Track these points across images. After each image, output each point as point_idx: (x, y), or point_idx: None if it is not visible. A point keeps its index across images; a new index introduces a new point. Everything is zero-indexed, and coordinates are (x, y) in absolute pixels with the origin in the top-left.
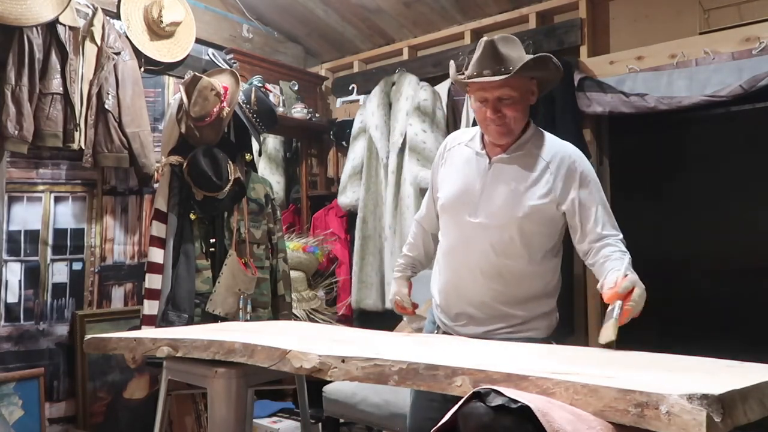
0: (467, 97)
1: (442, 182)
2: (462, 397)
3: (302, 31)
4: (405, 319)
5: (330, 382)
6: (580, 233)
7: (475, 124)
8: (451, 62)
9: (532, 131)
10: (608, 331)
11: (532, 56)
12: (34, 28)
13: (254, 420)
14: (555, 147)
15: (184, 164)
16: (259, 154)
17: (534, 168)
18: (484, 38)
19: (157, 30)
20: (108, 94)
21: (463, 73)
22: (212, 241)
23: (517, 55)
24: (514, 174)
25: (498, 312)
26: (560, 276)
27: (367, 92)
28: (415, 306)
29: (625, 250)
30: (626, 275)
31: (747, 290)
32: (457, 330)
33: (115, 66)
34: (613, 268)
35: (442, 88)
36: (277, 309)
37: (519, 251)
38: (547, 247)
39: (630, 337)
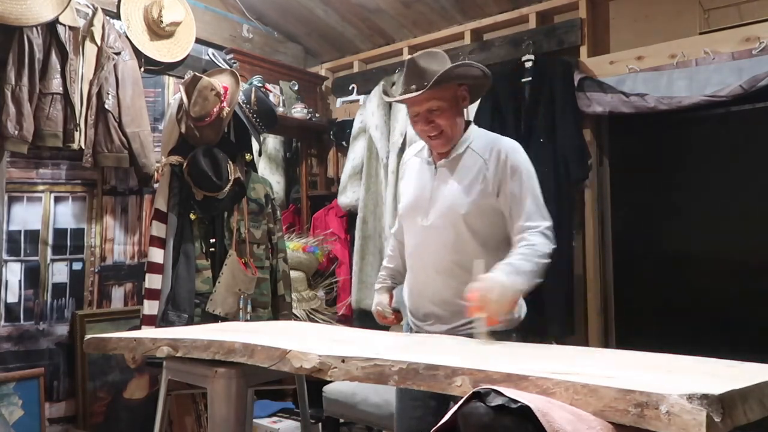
0: None
1: (402, 194)
2: (460, 397)
3: (302, 31)
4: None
5: (330, 382)
6: (510, 225)
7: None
8: (381, 84)
9: (470, 132)
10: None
11: (452, 65)
12: (34, 28)
13: (254, 420)
14: (490, 143)
15: (184, 164)
16: (259, 154)
17: (473, 166)
18: (407, 58)
19: (157, 30)
20: (108, 94)
21: (390, 95)
22: (212, 241)
23: (439, 67)
24: (456, 175)
25: (460, 308)
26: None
27: (367, 92)
28: (396, 314)
29: (534, 242)
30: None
31: (747, 290)
32: (426, 329)
33: (115, 66)
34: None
35: None
36: (277, 309)
37: (470, 246)
38: (499, 237)
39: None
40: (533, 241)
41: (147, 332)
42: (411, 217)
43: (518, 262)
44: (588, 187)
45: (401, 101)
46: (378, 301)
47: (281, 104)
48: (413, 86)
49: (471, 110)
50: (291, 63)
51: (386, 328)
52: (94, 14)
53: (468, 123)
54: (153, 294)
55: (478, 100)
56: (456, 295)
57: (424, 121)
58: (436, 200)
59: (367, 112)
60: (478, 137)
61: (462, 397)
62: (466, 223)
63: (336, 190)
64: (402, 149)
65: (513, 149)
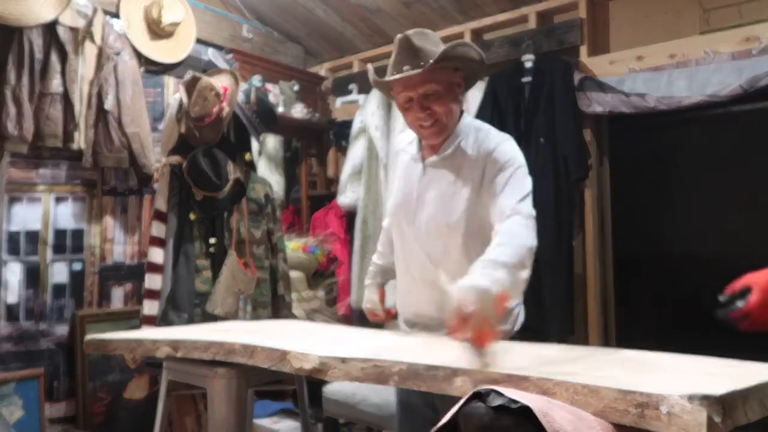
0: (466, 98)
1: (391, 190)
2: (462, 398)
3: (302, 31)
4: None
5: (330, 382)
6: (491, 219)
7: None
8: (369, 66)
9: (462, 126)
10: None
11: (450, 44)
12: (34, 29)
13: (254, 420)
14: (480, 140)
15: (184, 164)
16: (259, 154)
17: (463, 167)
18: (398, 35)
19: (157, 30)
20: (108, 94)
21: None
22: (212, 241)
23: (435, 48)
24: (444, 177)
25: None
26: None
27: (367, 92)
28: (387, 311)
29: (514, 231)
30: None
31: None
32: (415, 335)
33: (115, 66)
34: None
35: None
36: (277, 309)
37: (455, 258)
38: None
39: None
40: (513, 230)
41: (147, 333)
42: (397, 219)
43: (496, 253)
44: (588, 187)
45: (395, 81)
46: (368, 299)
47: (281, 104)
48: (406, 66)
49: (472, 110)
50: (291, 63)
51: (382, 326)
52: (94, 14)
53: (461, 113)
54: (153, 294)
55: (479, 102)
56: (441, 308)
57: (419, 108)
58: (424, 205)
59: (367, 112)
60: (468, 133)
61: (462, 398)
62: (456, 233)
63: (336, 190)
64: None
65: (501, 141)
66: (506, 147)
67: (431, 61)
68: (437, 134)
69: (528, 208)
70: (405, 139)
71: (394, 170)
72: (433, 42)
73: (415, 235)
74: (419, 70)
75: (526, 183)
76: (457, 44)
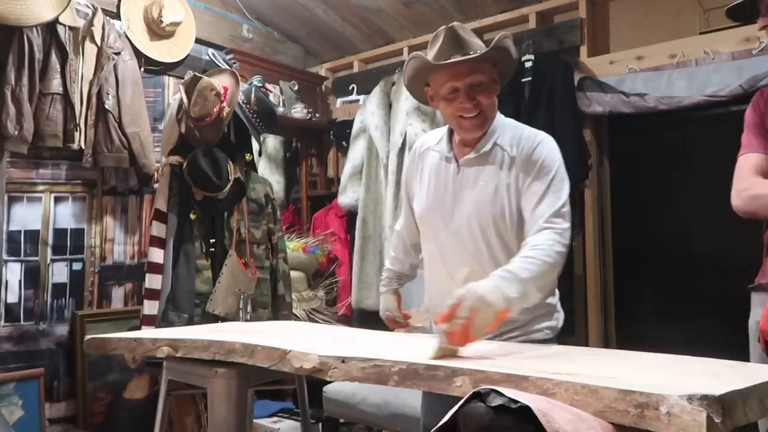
0: None
1: (417, 191)
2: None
3: (302, 31)
4: (401, 331)
5: (330, 382)
6: (525, 224)
7: None
8: (415, 53)
9: (497, 123)
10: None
11: (498, 36)
12: (34, 28)
13: (254, 420)
14: (518, 137)
15: (184, 164)
16: (259, 154)
17: (500, 165)
18: (443, 27)
19: (157, 30)
20: (108, 94)
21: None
22: (212, 241)
23: (477, 42)
24: (481, 175)
25: None
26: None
27: (367, 92)
28: (407, 317)
29: (541, 244)
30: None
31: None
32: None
33: (115, 66)
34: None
35: None
36: (277, 309)
37: (497, 258)
38: None
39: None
40: (542, 246)
41: (147, 332)
42: (431, 221)
43: (519, 267)
44: (588, 187)
45: (442, 70)
46: (386, 306)
47: (281, 104)
48: (456, 56)
49: None
50: (291, 63)
51: (389, 327)
52: (94, 14)
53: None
54: (153, 294)
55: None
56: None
57: (466, 98)
58: (460, 205)
59: (367, 112)
60: (504, 130)
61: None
62: (496, 232)
63: (336, 190)
64: (402, 149)
65: (540, 141)
66: (545, 149)
67: (479, 51)
68: (479, 126)
69: (562, 221)
70: (432, 138)
71: (417, 171)
72: (473, 36)
73: (453, 235)
74: (474, 55)
75: (563, 191)
76: (505, 36)
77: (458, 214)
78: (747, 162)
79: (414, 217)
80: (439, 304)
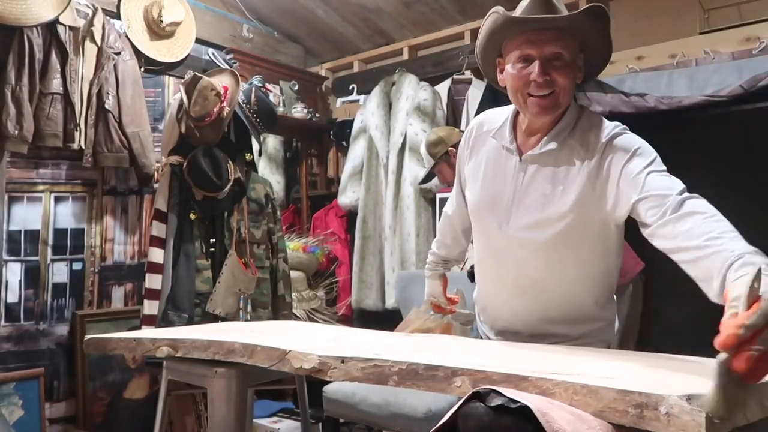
0: (466, 98)
1: (470, 178)
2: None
3: (302, 31)
4: (447, 318)
5: (330, 382)
6: (643, 213)
7: None
8: (495, 9)
9: (573, 112)
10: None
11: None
12: (34, 28)
13: (254, 420)
14: (591, 131)
15: (184, 164)
16: (260, 154)
17: (572, 163)
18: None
19: (157, 30)
20: (108, 94)
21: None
22: (212, 241)
23: (565, 10)
24: (550, 174)
25: (542, 331)
26: (616, 271)
27: (367, 92)
28: (452, 302)
29: (708, 211)
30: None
31: None
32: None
33: (115, 66)
34: (737, 260)
35: (442, 88)
36: (277, 309)
37: (558, 270)
38: (603, 260)
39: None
40: (706, 210)
41: (147, 332)
42: (483, 220)
43: (741, 246)
44: None
45: (521, 30)
46: (430, 291)
47: (281, 104)
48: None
49: (471, 110)
50: (291, 63)
51: (389, 326)
52: (94, 14)
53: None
54: (153, 294)
55: (479, 101)
56: (538, 318)
57: (540, 71)
58: (523, 205)
59: (367, 112)
60: (579, 121)
61: (461, 398)
62: (563, 239)
63: (336, 190)
64: (402, 149)
65: (620, 132)
66: (628, 136)
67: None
68: (548, 109)
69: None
70: (493, 118)
71: (472, 156)
72: (563, 4)
73: (509, 240)
74: (566, 15)
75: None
76: (599, 8)
77: (515, 218)
78: None
79: (466, 204)
80: (492, 305)
